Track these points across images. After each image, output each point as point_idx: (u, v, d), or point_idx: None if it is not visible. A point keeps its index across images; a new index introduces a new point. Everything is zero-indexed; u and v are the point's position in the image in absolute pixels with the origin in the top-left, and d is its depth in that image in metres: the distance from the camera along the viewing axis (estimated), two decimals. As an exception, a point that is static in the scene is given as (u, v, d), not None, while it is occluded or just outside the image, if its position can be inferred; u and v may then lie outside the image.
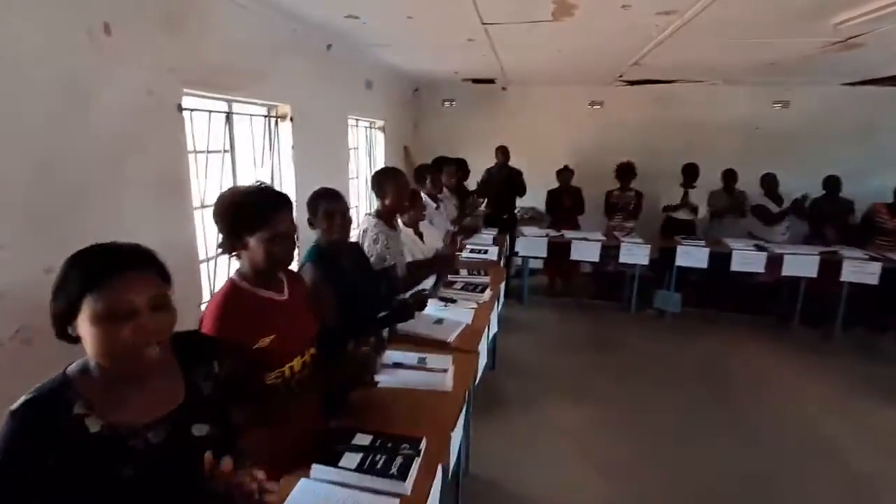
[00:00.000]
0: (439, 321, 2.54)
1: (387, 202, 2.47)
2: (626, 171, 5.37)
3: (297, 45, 3.39)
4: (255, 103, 3.07)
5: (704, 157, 5.54)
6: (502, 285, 3.64)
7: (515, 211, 5.78)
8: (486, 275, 3.46)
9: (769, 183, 5.19)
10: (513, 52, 4.30)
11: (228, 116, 2.92)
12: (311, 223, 1.94)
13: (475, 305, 2.90)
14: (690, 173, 5.38)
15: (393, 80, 5.53)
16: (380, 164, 5.46)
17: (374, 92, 4.95)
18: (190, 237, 2.44)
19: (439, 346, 2.28)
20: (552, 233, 5.31)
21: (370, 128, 5.37)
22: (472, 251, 4.23)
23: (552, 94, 6.31)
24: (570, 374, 3.93)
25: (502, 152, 5.51)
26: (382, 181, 2.48)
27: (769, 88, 5.82)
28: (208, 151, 2.72)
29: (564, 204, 5.56)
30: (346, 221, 1.95)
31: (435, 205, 3.73)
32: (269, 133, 3.36)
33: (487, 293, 3.10)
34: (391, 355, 2.08)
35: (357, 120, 4.88)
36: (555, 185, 5.62)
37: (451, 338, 2.37)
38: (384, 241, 2.39)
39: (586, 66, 4.97)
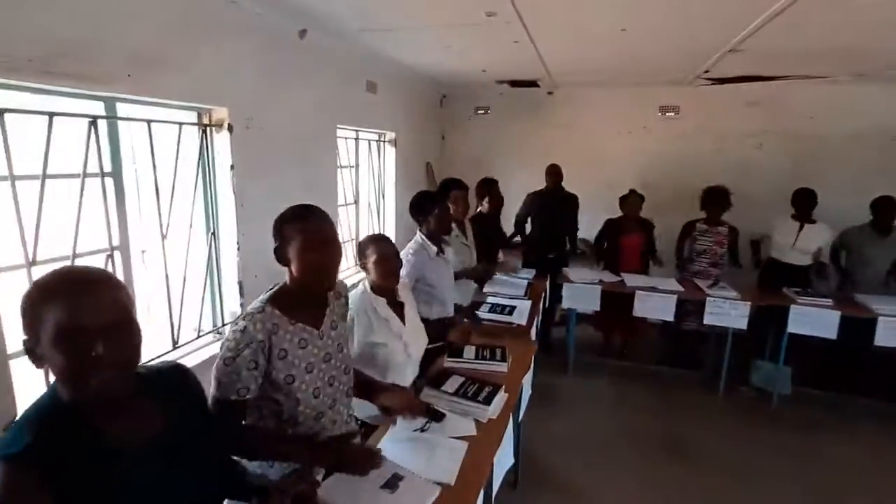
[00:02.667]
0: (392, 484, 1.40)
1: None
2: (716, 199, 3.94)
3: (244, 27, 2.44)
4: (154, 103, 2.11)
5: (822, 180, 4.06)
6: (528, 376, 2.43)
7: (568, 248, 4.49)
8: (501, 358, 2.29)
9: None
10: (555, 37, 3.14)
11: (111, 124, 1.99)
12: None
13: (472, 428, 1.74)
14: (805, 202, 3.90)
15: (408, 82, 4.52)
16: (389, 185, 4.43)
17: (379, 97, 3.96)
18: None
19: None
20: (608, 278, 4.01)
21: (380, 141, 4.38)
22: (491, 307, 3.06)
23: (611, 98, 5.04)
24: (628, 500, 2.63)
25: (554, 174, 4.28)
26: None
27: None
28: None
29: (629, 241, 4.19)
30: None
31: (435, 249, 2.58)
32: (204, 147, 2.41)
33: (498, 401, 1.93)
34: None
35: (357, 131, 3.90)
36: (612, 212, 4.32)
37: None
38: None
39: (660, 58, 3.69)
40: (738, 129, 4.74)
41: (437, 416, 1.75)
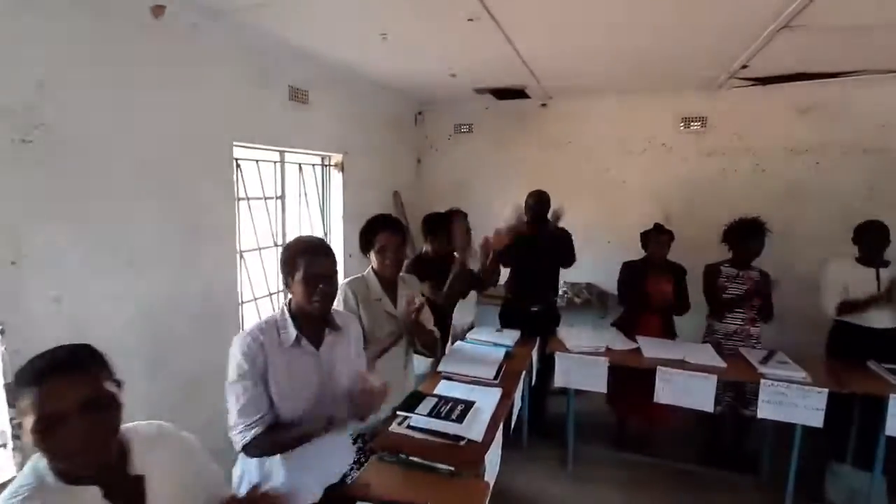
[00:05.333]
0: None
1: None
2: (746, 235, 2.88)
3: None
4: None
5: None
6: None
7: (558, 297, 3.45)
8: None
9: None
10: (529, 22, 2.22)
11: None
12: None
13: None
14: (875, 239, 2.81)
15: (362, 93, 3.65)
16: (336, 219, 3.50)
17: (313, 109, 3.07)
18: None
19: None
20: (618, 343, 2.94)
21: (324, 166, 3.48)
22: (433, 406, 2.02)
23: (618, 108, 4.06)
24: None
25: (536, 201, 3.26)
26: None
27: None
28: None
29: (657, 291, 3.02)
30: None
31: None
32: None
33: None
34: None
35: (281, 152, 3.00)
36: (623, 252, 3.27)
37: None
38: None
39: (677, 51, 2.73)
40: (785, 143, 3.68)
41: None
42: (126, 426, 0.96)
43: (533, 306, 3.28)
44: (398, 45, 2.63)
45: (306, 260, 1.36)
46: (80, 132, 1.77)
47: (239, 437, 1.32)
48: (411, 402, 2.05)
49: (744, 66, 3.02)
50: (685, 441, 3.24)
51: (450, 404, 2.05)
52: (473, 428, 1.90)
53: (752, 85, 3.52)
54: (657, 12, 2.16)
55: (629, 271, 3.15)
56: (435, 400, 2.08)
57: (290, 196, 3.14)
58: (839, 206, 3.55)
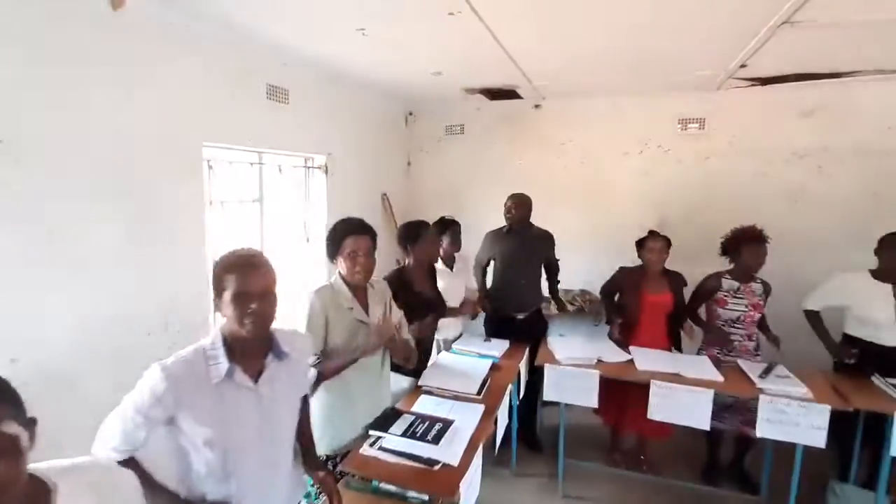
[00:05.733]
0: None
1: None
2: (745, 242, 2.73)
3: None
4: None
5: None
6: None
7: (544, 305, 3.32)
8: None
9: None
10: (513, 16, 2.09)
11: None
12: None
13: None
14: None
15: (349, 92, 3.53)
16: (319, 223, 3.37)
17: (293, 109, 2.95)
18: None
19: None
20: (611, 355, 2.81)
21: (306, 167, 3.35)
22: (408, 426, 1.89)
23: (613, 110, 3.93)
24: None
25: (516, 206, 3.11)
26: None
27: None
28: None
29: (653, 300, 2.90)
30: None
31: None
32: None
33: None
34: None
35: (259, 153, 2.88)
36: (619, 259, 3.14)
37: None
38: None
39: (674, 47, 2.60)
40: (787, 145, 3.55)
41: None
42: (55, 467, 0.84)
43: (518, 314, 3.15)
44: (378, 42, 2.50)
45: (236, 276, 1.20)
46: (27, 132, 1.65)
47: (102, 451, 1.18)
48: (385, 421, 1.92)
49: (743, 66, 2.89)
50: (682, 456, 3.10)
51: (426, 423, 1.92)
52: (450, 450, 1.77)
53: (752, 85, 3.38)
54: (651, 8, 2.03)
55: (622, 278, 3.02)
56: (411, 419, 1.95)
57: (271, 199, 3.01)
58: (843, 212, 3.42)
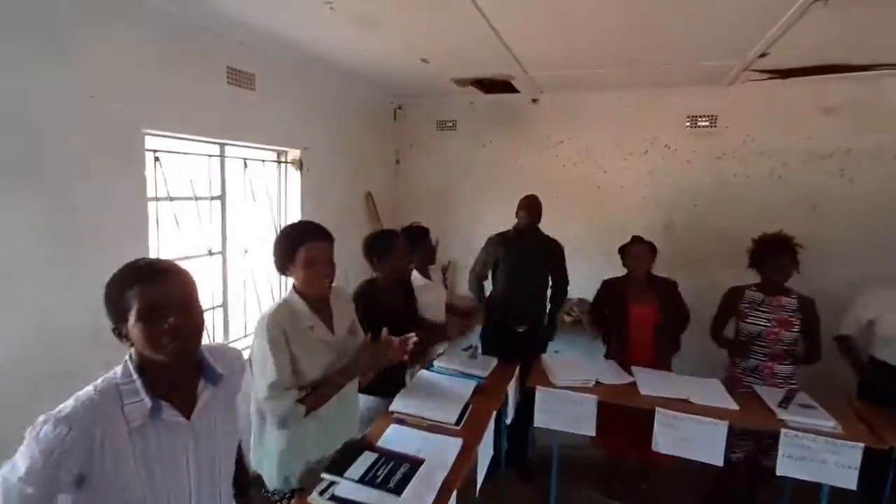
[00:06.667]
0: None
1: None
2: (774, 252, 2.43)
3: None
4: None
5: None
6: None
7: (547, 317, 3.02)
8: None
9: None
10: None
11: None
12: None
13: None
14: None
15: (329, 80, 3.23)
16: (293, 219, 3.07)
17: (261, 96, 2.65)
18: None
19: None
20: (612, 375, 2.50)
21: (279, 162, 3.05)
22: (367, 470, 1.59)
23: (617, 105, 3.62)
24: None
25: (528, 209, 2.84)
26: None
27: None
28: None
29: (637, 312, 2.65)
30: None
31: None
32: None
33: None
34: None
35: (221, 145, 2.58)
36: (613, 270, 2.83)
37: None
38: None
39: (684, 37, 2.30)
40: (806, 145, 3.24)
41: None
42: None
43: (520, 326, 2.87)
44: (349, 19, 2.20)
45: (140, 288, 0.94)
46: None
47: None
48: (344, 458, 1.62)
49: (763, 55, 2.59)
50: (688, 486, 2.79)
51: (391, 464, 1.62)
52: (416, 502, 1.47)
53: (770, 78, 3.08)
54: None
55: (605, 291, 2.76)
56: (374, 457, 1.65)
57: (237, 197, 2.72)
58: (867, 219, 3.12)
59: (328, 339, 1.58)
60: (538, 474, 2.88)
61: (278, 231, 1.61)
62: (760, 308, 2.47)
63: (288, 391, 1.45)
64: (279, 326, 1.49)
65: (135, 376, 0.97)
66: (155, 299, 0.94)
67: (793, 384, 2.44)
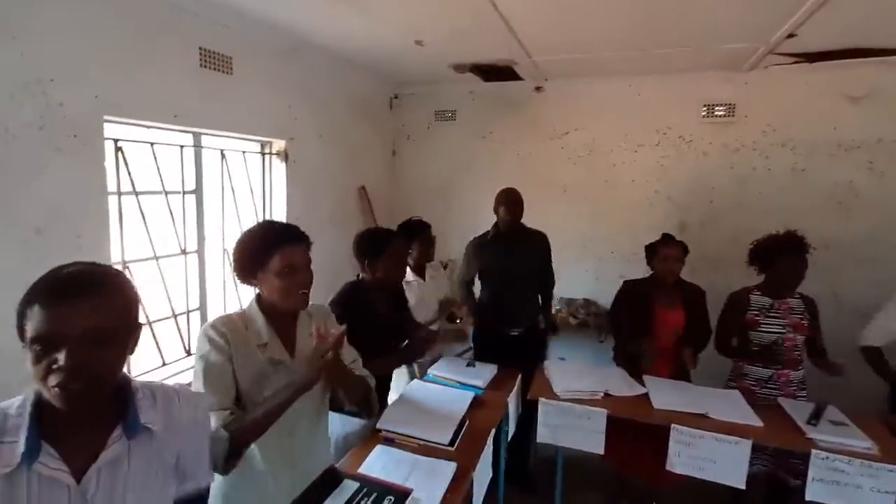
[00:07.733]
0: None
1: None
2: (782, 252, 2.22)
3: None
4: None
5: None
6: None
7: (541, 319, 2.81)
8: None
9: None
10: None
11: None
12: None
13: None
14: None
15: (314, 64, 3.00)
16: (277, 217, 2.86)
17: (240, 81, 2.43)
18: None
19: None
20: (620, 386, 2.29)
21: (263, 154, 2.84)
22: (355, 493, 1.40)
23: (627, 92, 3.39)
24: None
25: (507, 204, 2.59)
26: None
27: None
28: None
29: (664, 318, 2.41)
30: None
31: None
32: None
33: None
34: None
35: (195, 134, 2.36)
36: (633, 268, 2.61)
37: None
38: None
39: (701, 18, 2.06)
40: (832, 137, 3.01)
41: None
42: None
43: (513, 330, 2.66)
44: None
45: (38, 311, 0.74)
46: None
47: None
48: (318, 492, 1.42)
49: (790, 36, 2.35)
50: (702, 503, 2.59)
51: (374, 496, 1.42)
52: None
53: (795, 63, 2.84)
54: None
55: (626, 295, 2.52)
56: (354, 487, 1.45)
57: (215, 191, 2.51)
58: (896, 215, 2.89)
59: (283, 359, 1.32)
60: (539, 485, 2.69)
61: (242, 232, 1.36)
62: (771, 313, 2.26)
63: (218, 412, 1.17)
64: (224, 336, 1.26)
65: (27, 409, 0.78)
66: (49, 326, 0.74)
67: (804, 388, 2.25)
